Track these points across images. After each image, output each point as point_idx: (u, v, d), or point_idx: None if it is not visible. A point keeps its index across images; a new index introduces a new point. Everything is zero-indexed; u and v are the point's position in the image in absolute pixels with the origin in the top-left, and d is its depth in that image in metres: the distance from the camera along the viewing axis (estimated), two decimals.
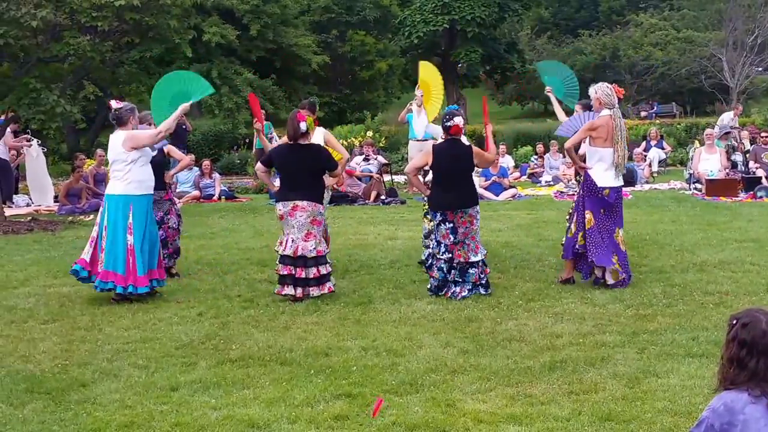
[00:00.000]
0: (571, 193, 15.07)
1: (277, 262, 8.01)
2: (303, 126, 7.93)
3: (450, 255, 8.00)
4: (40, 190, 16.64)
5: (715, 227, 11.81)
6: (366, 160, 18.01)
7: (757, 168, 17.24)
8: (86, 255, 8.13)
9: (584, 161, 8.42)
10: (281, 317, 7.39)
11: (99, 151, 17.87)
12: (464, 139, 8.29)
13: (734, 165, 17.37)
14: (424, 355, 6.19)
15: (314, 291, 7.93)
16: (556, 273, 8.95)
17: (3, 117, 14.90)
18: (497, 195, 16.47)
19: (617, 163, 8.25)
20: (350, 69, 36.28)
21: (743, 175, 16.71)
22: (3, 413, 5.20)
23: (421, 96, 16.82)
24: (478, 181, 11.82)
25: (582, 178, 8.48)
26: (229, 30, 27.76)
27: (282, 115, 25.99)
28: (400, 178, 18.50)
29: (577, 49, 41.12)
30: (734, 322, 3.17)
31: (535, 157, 21.11)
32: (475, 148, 8.20)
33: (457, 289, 7.99)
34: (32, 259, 10.41)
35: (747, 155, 18.08)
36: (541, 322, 7.06)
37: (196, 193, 17.34)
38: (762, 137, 18.92)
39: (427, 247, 8.78)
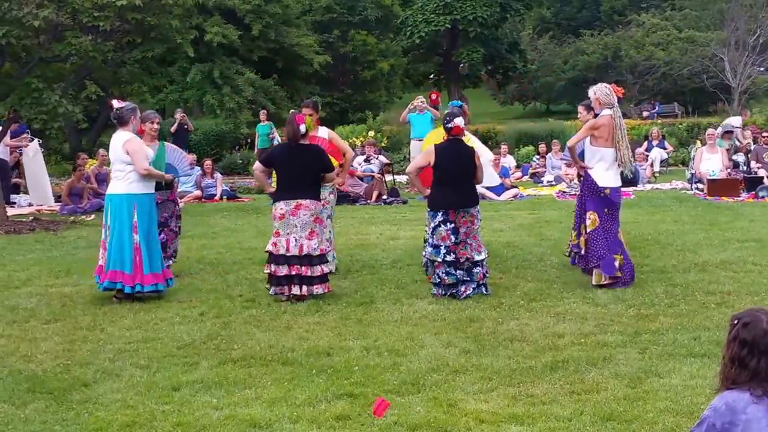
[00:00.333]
0: (573, 192, 15.06)
1: (271, 264, 7.95)
2: (302, 128, 7.98)
3: (454, 255, 7.98)
4: (37, 189, 16.68)
5: (717, 227, 11.80)
6: (367, 160, 18.01)
7: (758, 168, 17.24)
8: (102, 260, 8.18)
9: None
10: (283, 317, 7.39)
11: (101, 150, 17.88)
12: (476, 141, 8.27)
13: (736, 165, 17.37)
14: (426, 355, 6.19)
15: (318, 289, 7.94)
16: (557, 273, 8.95)
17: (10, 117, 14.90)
18: (499, 195, 16.46)
19: (622, 162, 8.25)
20: (352, 69, 36.27)
21: (745, 175, 16.71)
22: (5, 413, 5.20)
23: (422, 102, 16.92)
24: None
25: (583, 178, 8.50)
26: (231, 30, 27.76)
27: (284, 115, 25.97)
28: (401, 178, 18.50)
29: (579, 49, 41.09)
30: (736, 321, 3.17)
31: (537, 156, 21.11)
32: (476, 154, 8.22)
33: (462, 287, 7.97)
34: (34, 259, 10.42)
35: (749, 155, 18.08)
36: (543, 322, 7.05)
37: (198, 192, 17.36)
38: (763, 137, 18.92)
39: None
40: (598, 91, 8.35)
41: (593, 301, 7.68)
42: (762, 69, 38.16)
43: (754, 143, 19.31)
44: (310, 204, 7.98)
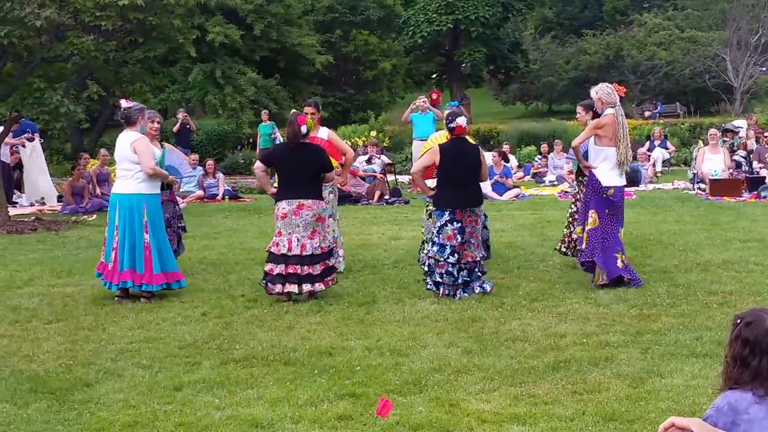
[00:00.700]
0: (575, 192, 15.03)
1: (272, 263, 7.95)
2: (303, 129, 8.00)
3: (457, 256, 7.98)
4: (34, 188, 16.70)
5: (719, 227, 11.79)
6: (369, 160, 18.01)
7: (760, 168, 17.22)
8: (104, 259, 8.19)
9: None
10: (285, 317, 7.39)
11: (103, 150, 17.88)
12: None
13: (738, 165, 17.35)
14: (428, 354, 6.19)
15: (319, 286, 7.95)
16: (559, 273, 8.96)
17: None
18: (501, 195, 16.46)
19: (621, 160, 8.25)
20: (354, 69, 36.27)
21: (747, 174, 16.69)
22: (7, 413, 5.21)
23: (424, 102, 16.91)
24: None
25: (585, 178, 8.49)
26: (233, 30, 27.78)
27: (286, 115, 25.95)
28: (403, 178, 18.49)
29: (581, 48, 41.07)
30: (738, 321, 3.16)
31: (539, 156, 21.09)
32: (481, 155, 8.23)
33: (458, 291, 7.99)
34: (36, 259, 10.43)
35: (750, 155, 18.06)
36: (545, 322, 7.05)
37: (201, 192, 17.37)
38: (765, 137, 18.89)
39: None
40: (600, 90, 8.35)
41: (595, 302, 7.67)
42: (764, 69, 38.13)
43: (756, 143, 19.28)
44: (312, 204, 7.99)
